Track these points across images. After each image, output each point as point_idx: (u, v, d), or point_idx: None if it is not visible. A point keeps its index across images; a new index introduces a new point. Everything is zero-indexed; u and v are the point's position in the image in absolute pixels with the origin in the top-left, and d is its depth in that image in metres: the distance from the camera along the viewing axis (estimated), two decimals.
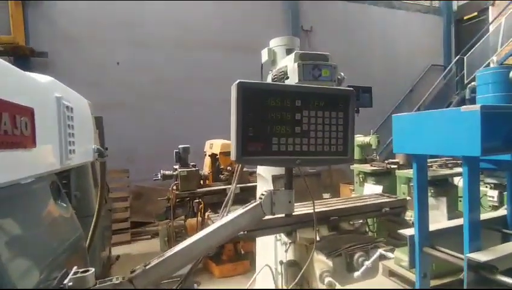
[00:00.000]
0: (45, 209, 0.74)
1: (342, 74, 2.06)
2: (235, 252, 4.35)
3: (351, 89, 0.94)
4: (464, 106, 1.29)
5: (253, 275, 3.43)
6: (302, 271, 1.48)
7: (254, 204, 0.92)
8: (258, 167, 2.79)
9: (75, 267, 0.72)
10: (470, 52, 8.08)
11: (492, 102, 1.69)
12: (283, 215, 1.87)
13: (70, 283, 0.67)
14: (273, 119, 0.86)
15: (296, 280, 1.50)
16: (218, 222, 0.87)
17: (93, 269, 0.71)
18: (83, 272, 0.70)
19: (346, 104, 0.93)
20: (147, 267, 0.78)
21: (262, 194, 0.93)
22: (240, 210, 0.91)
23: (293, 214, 2.02)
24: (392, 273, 4.11)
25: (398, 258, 4.15)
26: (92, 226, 1.17)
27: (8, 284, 0.46)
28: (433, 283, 3.68)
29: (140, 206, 6.83)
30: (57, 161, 0.78)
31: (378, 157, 5.59)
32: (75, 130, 0.90)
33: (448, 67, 9.87)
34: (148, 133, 7.07)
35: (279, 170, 2.29)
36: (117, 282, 0.75)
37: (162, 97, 7.22)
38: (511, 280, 1.29)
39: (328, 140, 0.91)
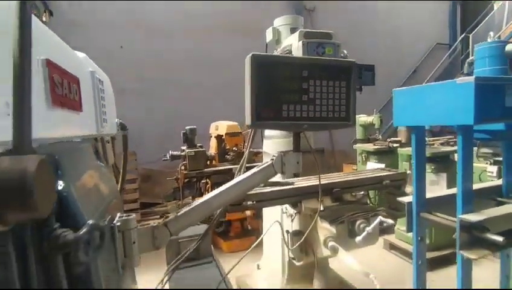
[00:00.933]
0: (92, 165, 0.85)
1: (345, 51, 2.13)
2: (242, 229, 4.54)
3: (353, 60, 1.03)
4: (460, 78, 1.37)
5: (260, 250, 3.62)
6: (306, 234, 1.61)
7: (267, 164, 1.04)
8: (264, 145, 2.90)
9: (118, 213, 0.84)
10: (475, 31, 7.96)
11: (489, 75, 1.76)
12: (289, 187, 2.00)
13: (119, 224, 0.80)
14: (282, 88, 0.96)
15: (300, 241, 1.63)
16: (236, 178, 0.99)
17: (134, 215, 0.84)
18: (126, 216, 0.83)
19: (349, 74, 1.02)
20: (178, 214, 0.91)
21: (274, 156, 1.05)
22: (254, 169, 1.02)
23: (299, 186, 2.15)
24: (392, 247, 4.29)
25: (399, 232, 4.32)
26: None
27: (81, 219, 0.57)
28: (432, 254, 3.85)
29: (149, 188, 7.02)
30: (94, 127, 0.89)
31: (380, 136, 5.67)
32: (106, 101, 1.01)
33: (454, 46, 9.74)
34: (153, 117, 7.17)
35: (285, 147, 2.40)
36: (154, 225, 0.88)
37: (166, 81, 7.28)
38: (501, 238, 1.41)
39: (332, 107, 1.01)
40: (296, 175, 1.10)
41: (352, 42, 7.42)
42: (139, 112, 7.06)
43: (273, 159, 1.03)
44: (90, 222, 0.51)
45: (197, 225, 1.88)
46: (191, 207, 0.93)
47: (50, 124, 0.54)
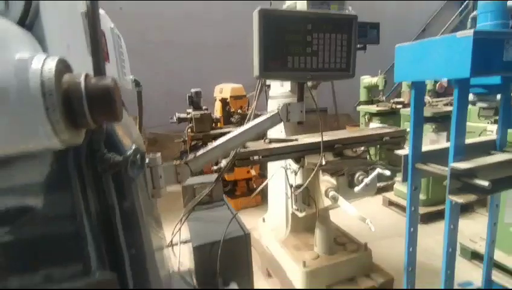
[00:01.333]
0: (124, 112, 0.96)
1: (350, 7, 2.13)
2: (247, 188, 4.77)
3: (354, 14, 1.08)
4: (460, 32, 1.42)
5: (264, 207, 3.84)
6: (307, 183, 1.75)
7: (273, 113, 1.14)
8: (269, 105, 2.98)
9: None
10: None
11: (490, 29, 1.78)
12: (293, 143, 2.12)
13: (147, 161, 0.93)
14: (288, 41, 1.03)
15: (302, 188, 1.78)
16: (246, 125, 1.10)
17: (159, 153, 0.97)
18: (153, 154, 0.96)
19: (350, 27, 1.08)
20: (197, 154, 1.04)
21: (280, 105, 1.14)
22: (262, 117, 1.13)
23: (302, 143, 2.27)
24: (391, 203, 4.53)
25: (397, 189, 4.52)
26: None
27: (122, 149, 0.68)
28: (429, 209, 4.08)
29: (156, 151, 7.23)
30: (117, 79, 0.98)
31: (384, 98, 5.69)
32: (123, 57, 1.09)
33: (465, 3, 9.32)
34: (155, 81, 7.17)
35: None
36: (177, 163, 1.01)
37: (167, 43, 7.19)
38: (487, 183, 1.53)
39: (333, 58, 1.09)
40: (299, 123, 1.20)
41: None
42: (141, 75, 7.05)
43: (279, 108, 1.13)
44: (134, 146, 0.62)
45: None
46: (207, 149, 1.05)
47: (91, 70, 0.64)
